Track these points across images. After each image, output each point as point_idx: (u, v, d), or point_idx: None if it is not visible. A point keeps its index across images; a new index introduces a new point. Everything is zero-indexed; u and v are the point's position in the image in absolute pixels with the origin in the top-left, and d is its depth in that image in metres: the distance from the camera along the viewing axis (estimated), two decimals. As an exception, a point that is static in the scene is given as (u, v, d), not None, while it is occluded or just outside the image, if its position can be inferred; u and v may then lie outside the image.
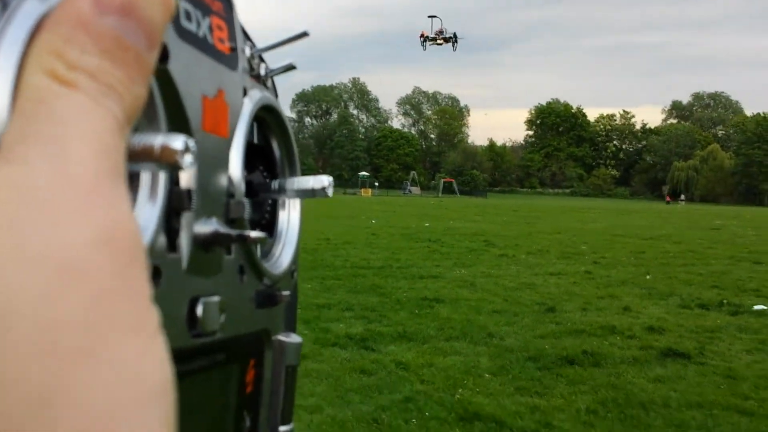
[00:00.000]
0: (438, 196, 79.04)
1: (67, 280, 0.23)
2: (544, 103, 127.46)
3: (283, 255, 0.63)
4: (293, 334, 0.64)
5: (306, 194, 0.63)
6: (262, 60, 0.63)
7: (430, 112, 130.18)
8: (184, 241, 0.47)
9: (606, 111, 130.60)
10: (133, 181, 0.42)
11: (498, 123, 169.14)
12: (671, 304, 9.00)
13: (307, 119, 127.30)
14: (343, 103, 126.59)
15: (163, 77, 0.44)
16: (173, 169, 0.37)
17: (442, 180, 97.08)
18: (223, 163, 0.52)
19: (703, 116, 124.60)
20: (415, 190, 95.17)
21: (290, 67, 0.65)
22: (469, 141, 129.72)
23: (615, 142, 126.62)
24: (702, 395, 5.25)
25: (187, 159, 0.34)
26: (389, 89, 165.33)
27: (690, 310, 8.57)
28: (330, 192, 0.62)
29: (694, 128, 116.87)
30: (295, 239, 0.65)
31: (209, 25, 0.51)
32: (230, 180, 0.53)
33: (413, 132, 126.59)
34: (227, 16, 0.55)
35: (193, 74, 0.47)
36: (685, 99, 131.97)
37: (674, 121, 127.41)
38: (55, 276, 0.23)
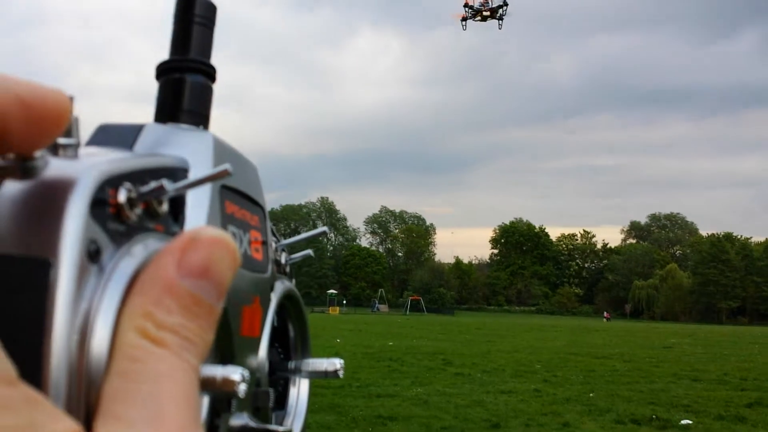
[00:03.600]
0: (405, 314, 79.26)
1: None
2: (507, 222, 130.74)
3: (294, 428, 0.67)
4: None
5: (319, 375, 0.67)
6: (284, 250, 0.68)
7: (397, 230, 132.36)
8: None
9: (567, 230, 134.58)
10: None
11: (464, 241, 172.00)
12: (608, 419, 9.68)
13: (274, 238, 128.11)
14: (311, 222, 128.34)
15: None
16: (231, 397, 0.43)
17: (410, 298, 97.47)
18: (254, 359, 0.56)
19: (661, 236, 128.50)
20: (383, 307, 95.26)
21: (308, 257, 0.72)
22: (436, 259, 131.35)
23: (577, 260, 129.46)
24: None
25: (242, 388, 0.39)
26: (357, 208, 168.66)
27: (623, 425, 9.26)
28: (341, 374, 0.65)
29: (653, 248, 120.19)
30: (304, 412, 0.68)
31: (249, 240, 0.56)
32: (258, 371, 0.57)
33: (381, 250, 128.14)
34: (262, 226, 0.60)
35: (236, 289, 0.52)
36: (643, 219, 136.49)
37: (633, 240, 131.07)
38: None
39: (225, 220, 0.52)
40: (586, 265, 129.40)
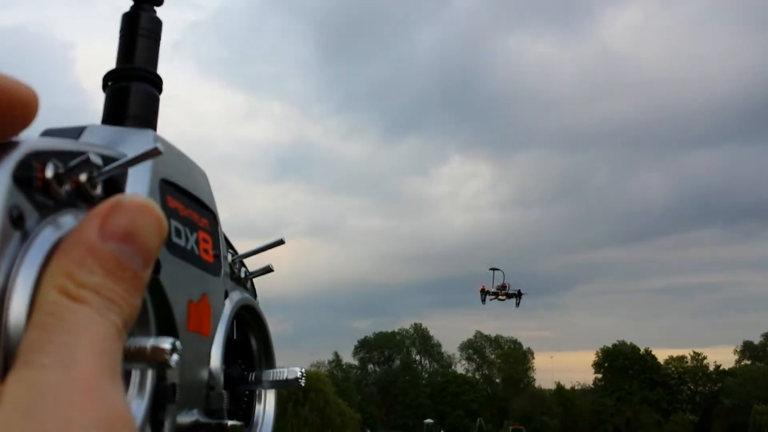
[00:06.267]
0: (507, 446, 75.33)
1: None
2: (610, 345, 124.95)
3: None
4: None
5: (281, 385, 0.68)
6: (242, 265, 0.70)
7: (493, 356, 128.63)
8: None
9: (675, 352, 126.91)
10: (125, 378, 0.47)
11: (564, 365, 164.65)
12: None
13: (370, 366, 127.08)
14: (405, 349, 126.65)
15: (155, 287, 0.50)
16: (162, 367, 0.43)
17: (511, 427, 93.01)
18: (205, 359, 0.57)
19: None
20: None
21: (268, 270, 0.73)
22: (536, 384, 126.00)
23: (689, 384, 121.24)
24: None
25: (174, 358, 0.40)
26: (451, 334, 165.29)
27: None
28: (303, 382, 0.66)
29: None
30: (270, 426, 0.69)
31: (196, 239, 0.58)
32: (211, 374, 0.58)
33: (477, 376, 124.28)
34: (212, 230, 0.61)
35: (181, 282, 0.53)
36: (756, 338, 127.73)
37: (748, 361, 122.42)
38: None
39: (167, 213, 0.52)
40: (699, 389, 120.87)
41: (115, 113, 0.57)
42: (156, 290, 0.50)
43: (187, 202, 0.57)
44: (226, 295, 0.63)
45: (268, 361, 0.71)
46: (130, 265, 0.34)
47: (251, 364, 0.71)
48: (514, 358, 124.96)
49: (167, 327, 0.51)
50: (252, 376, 0.69)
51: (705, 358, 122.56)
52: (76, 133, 0.52)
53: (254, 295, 0.73)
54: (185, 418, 0.53)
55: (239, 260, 0.69)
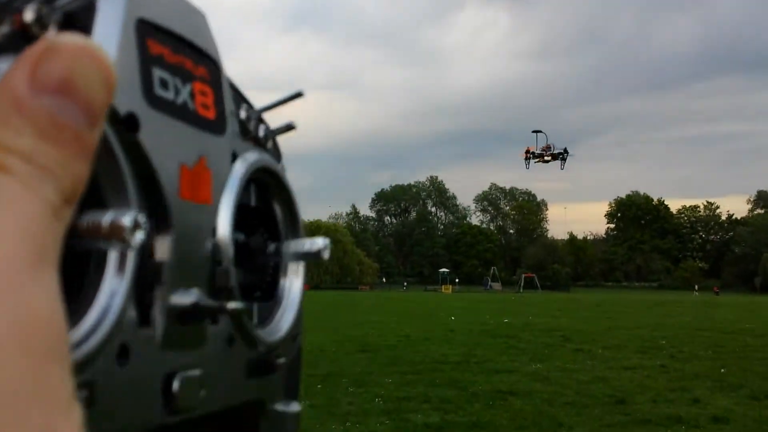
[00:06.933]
0: (519, 292, 78.45)
1: None
2: (623, 196, 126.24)
3: (283, 320, 0.62)
4: (294, 402, 0.63)
5: (302, 257, 0.62)
6: (261, 121, 0.62)
7: (507, 207, 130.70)
8: (157, 316, 0.46)
9: (688, 202, 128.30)
10: (101, 256, 0.42)
11: (577, 216, 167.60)
12: (741, 395, 9.22)
13: (387, 218, 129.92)
14: (421, 201, 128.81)
15: (133, 148, 0.44)
16: (123, 247, 0.37)
17: (523, 275, 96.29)
18: (206, 230, 0.52)
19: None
20: (496, 285, 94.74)
21: (290, 127, 0.65)
22: (549, 235, 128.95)
23: (701, 233, 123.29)
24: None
25: (138, 236, 0.34)
26: (466, 186, 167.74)
27: (759, 401, 8.78)
28: (326, 254, 0.60)
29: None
30: (297, 303, 0.64)
31: (190, 92, 0.51)
32: (216, 247, 0.52)
33: (492, 228, 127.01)
34: (213, 80, 0.54)
35: (168, 143, 0.47)
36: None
37: (761, 210, 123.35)
38: None
39: (146, 60, 0.46)
40: (710, 238, 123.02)
41: None
42: (135, 152, 0.44)
43: (177, 46, 0.50)
44: (235, 157, 0.56)
45: (294, 231, 0.65)
46: (69, 123, 0.28)
47: (276, 234, 0.64)
48: (528, 209, 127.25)
49: (152, 196, 0.46)
50: (272, 247, 0.63)
51: (718, 207, 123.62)
52: None
53: (278, 156, 0.66)
54: (182, 299, 0.48)
55: (256, 116, 0.62)
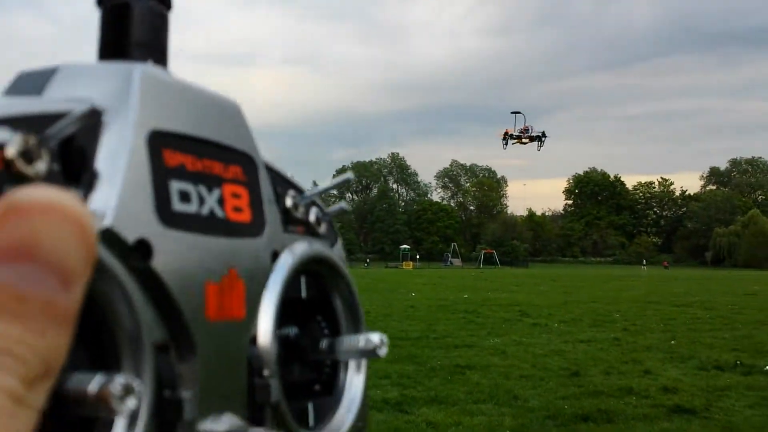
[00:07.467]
0: (479, 268, 79.27)
1: None
2: (581, 172, 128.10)
3: (345, 418, 0.58)
4: None
5: (356, 354, 0.57)
6: (314, 203, 0.58)
7: (468, 184, 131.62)
8: None
9: (644, 178, 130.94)
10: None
11: (536, 193, 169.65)
12: (690, 366, 9.57)
13: (348, 194, 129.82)
14: (382, 178, 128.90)
15: (147, 276, 0.41)
16: (111, 416, 0.32)
17: (483, 251, 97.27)
18: (239, 347, 0.47)
19: (742, 182, 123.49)
20: (456, 261, 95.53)
21: (343, 212, 0.61)
22: (508, 212, 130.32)
23: (655, 209, 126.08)
24: (701, 445, 5.88)
25: (129, 403, 0.30)
26: (427, 163, 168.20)
27: (706, 372, 9.14)
28: (383, 353, 0.56)
29: (734, 194, 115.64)
30: (359, 400, 0.59)
31: (219, 197, 0.47)
32: (254, 359, 0.48)
33: (452, 204, 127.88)
34: (248, 178, 0.50)
35: (190, 262, 0.43)
36: (723, 165, 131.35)
37: (713, 187, 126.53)
38: None
39: (162, 174, 0.43)
40: (664, 214, 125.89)
41: (114, 42, 0.46)
42: (149, 281, 0.41)
43: (202, 151, 0.46)
44: (275, 257, 0.52)
45: (355, 323, 0.60)
46: (35, 292, 0.24)
47: (335, 327, 0.60)
48: (489, 186, 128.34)
49: (173, 325, 0.42)
50: (324, 344, 0.58)
51: (672, 183, 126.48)
52: (44, 78, 0.43)
53: (334, 239, 0.62)
54: (211, 427, 0.44)
55: (306, 202, 0.57)
